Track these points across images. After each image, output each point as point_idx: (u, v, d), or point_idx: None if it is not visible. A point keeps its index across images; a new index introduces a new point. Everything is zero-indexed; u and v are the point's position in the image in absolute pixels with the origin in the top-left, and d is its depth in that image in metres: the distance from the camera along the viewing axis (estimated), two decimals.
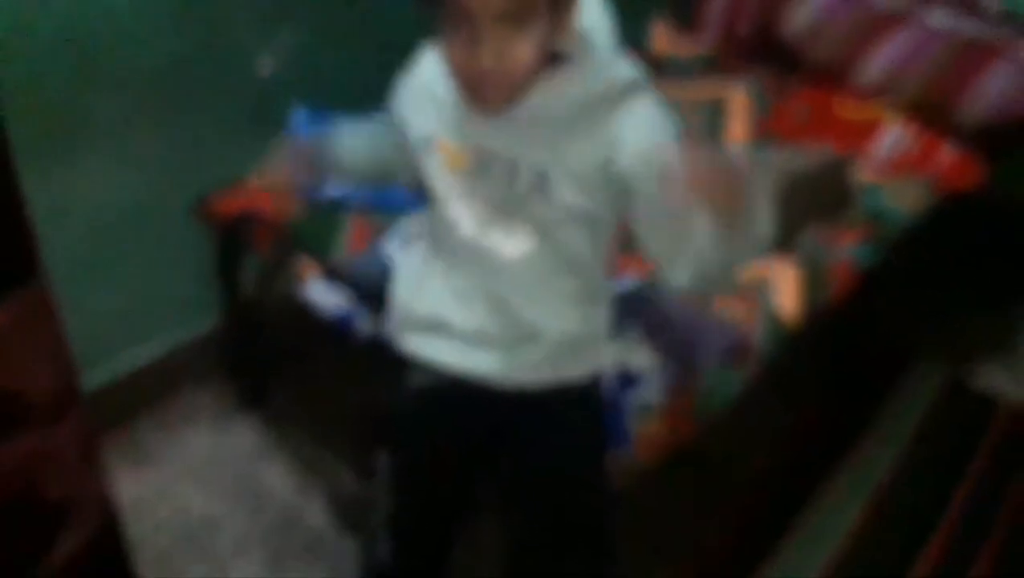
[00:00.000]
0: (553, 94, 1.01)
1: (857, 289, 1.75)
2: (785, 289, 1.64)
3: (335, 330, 1.55)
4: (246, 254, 1.77)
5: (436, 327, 1.13)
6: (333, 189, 1.74)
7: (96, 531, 1.00)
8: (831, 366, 2.11)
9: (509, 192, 1.04)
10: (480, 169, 1.04)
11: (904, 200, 1.95)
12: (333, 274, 1.58)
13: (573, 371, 1.15)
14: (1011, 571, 1.67)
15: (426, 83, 1.08)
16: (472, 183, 1.05)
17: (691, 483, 1.73)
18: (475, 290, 1.10)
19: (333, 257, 1.63)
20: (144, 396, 1.88)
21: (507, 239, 1.06)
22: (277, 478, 1.77)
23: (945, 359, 2.18)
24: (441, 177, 1.07)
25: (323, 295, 1.58)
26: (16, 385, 0.85)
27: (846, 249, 1.76)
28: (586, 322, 1.15)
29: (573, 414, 1.19)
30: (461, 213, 1.07)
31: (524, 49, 0.96)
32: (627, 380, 1.38)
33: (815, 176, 1.84)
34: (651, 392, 1.38)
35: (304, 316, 1.61)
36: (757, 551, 1.69)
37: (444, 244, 1.11)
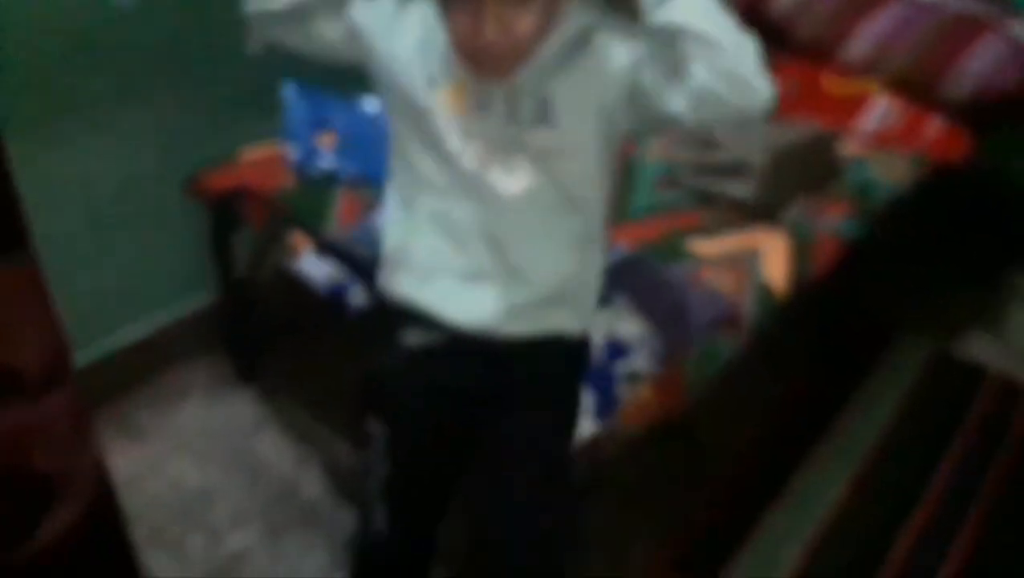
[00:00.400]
0: (546, 45, 1.02)
1: (844, 261, 1.76)
2: (774, 260, 1.66)
3: (328, 303, 1.56)
4: (238, 229, 1.78)
5: (429, 269, 1.12)
6: (324, 161, 1.76)
7: (91, 503, 0.99)
8: (818, 338, 2.13)
9: (510, 126, 1.04)
10: (480, 108, 1.05)
11: (891, 173, 1.97)
12: (325, 248, 1.59)
13: (564, 322, 1.15)
14: (995, 541, 1.70)
15: (423, 27, 1.07)
16: (471, 123, 1.05)
17: (679, 454, 1.76)
18: (470, 227, 1.09)
19: (325, 231, 1.63)
20: (138, 371, 1.89)
21: (507, 176, 1.06)
22: (273, 450, 1.78)
23: (931, 331, 2.21)
24: (441, 115, 1.06)
25: (316, 269, 1.60)
26: (5, 357, 0.84)
27: (833, 222, 1.78)
28: (580, 267, 1.14)
29: (561, 376, 1.19)
30: (461, 147, 1.06)
31: (528, 21, 0.97)
32: (616, 349, 1.40)
33: (802, 150, 1.85)
34: (640, 361, 1.40)
35: (297, 290, 1.62)
36: (744, 522, 1.71)
37: (437, 179, 1.09)
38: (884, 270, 2.17)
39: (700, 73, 0.95)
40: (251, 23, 1.14)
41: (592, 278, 1.18)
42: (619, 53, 1.02)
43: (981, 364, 2.13)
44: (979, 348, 2.17)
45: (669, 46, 0.96)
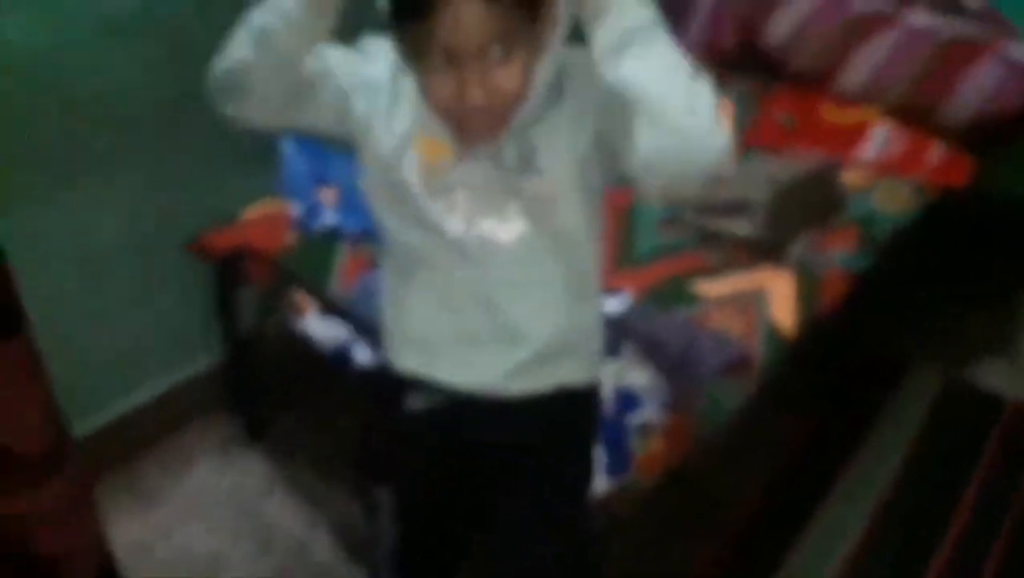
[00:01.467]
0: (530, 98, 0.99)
1: (852, 295, 1.75)
2: (781, 300, 1.64)
3: (334, 362, 1.55)
4: (242, 289, 1.78)
5: (428, 339, 1.11)
6: (326, 217, 1.76)
7: None
8: (829, 375, 2.10)
9: (496, 173, 1.01)
10: (463, 155, 1.02)
11: (894, 202, 1.96)
12: (329, 307, 1.58)
13: (569, 374, 1.12)
14: (1019, 569, 1.67)
15: (393, 79, 1.04)
16: (454, 174, 1.02)
17: (691, 501, 1.73)
18: (463, 293, 1.07)
19: (328, 288, 1.63)
20: (147, 434, 1.88)
21: (500, 224, 1.03)
22: (283, 512, 1.77)
23: (944, 359, 2.18)
24: (420, 176, 1.03)
25: (320, 328, 1.59)
26: (5, 442, 0.84)
27: (839, 255, 1.76)
28: (577, 318, 1.11)
29: (571, 429, 1.17)
30: (444, 212, 1.04)
31: (511, 79, 0.94)
32: (627, 401, 1.38)
33: (805, 184, 1.84)
34: (651, 412, 1.38)
35: (303, 349, 1.61)
36: (764, 565, 1.68)
37: (425, 252, 1.07)
38: (893, 300, 2.15)
39: (647, 136, 0.92)
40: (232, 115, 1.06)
41: (592, 326, 1.15)
42: (585, 97, 1.00)
43: (997, 391, 2.10)
44: (993, 374, 2.14)
45: (620, 106, 0.93)
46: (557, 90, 1.01)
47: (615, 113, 0.94)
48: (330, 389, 1.74)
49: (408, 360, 1.13)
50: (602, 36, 0.91)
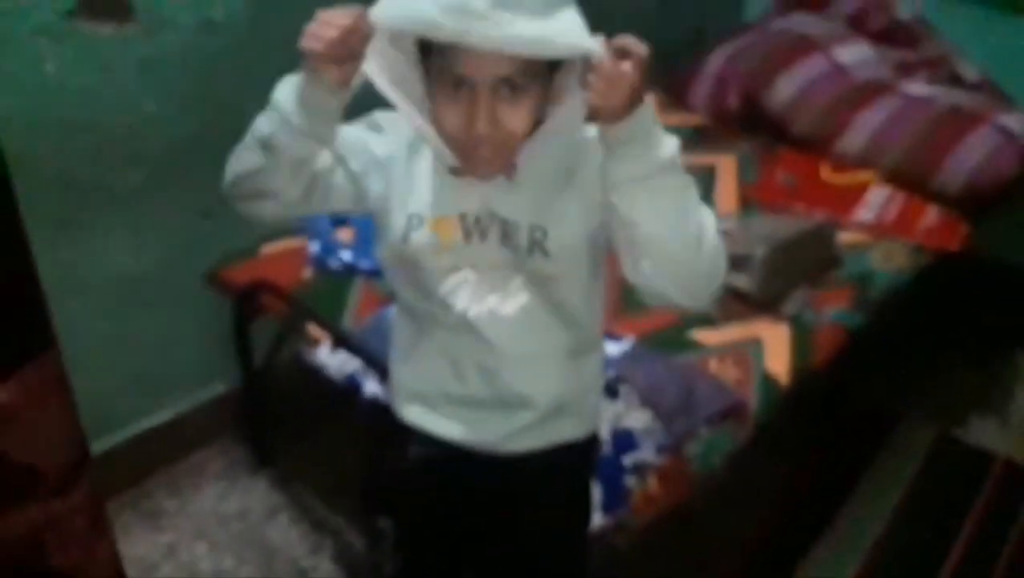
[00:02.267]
0: (541, 157, 1.01)
1: (846, 350, 1.80)
2: (776, 351, 1.70)
3: (344, 394, 1.60)
4: (258, 320, 1.84)
5: (430, 400, 1.15)
6: (342, 255, 1.83)
7: None
8: (822, 426, 2.15)
9: (506, 252, 1.04)
10: (472, 235, 1.05)
11: (890, 263, 2.02)
12: (341, 340, 1.64)
13: (568, 432, 1.16)
14: None
15: (403, 158, 1.07)
16: (463, 251, 1.05)
17: (687, 543, 1.77)
18: (468, 361, 1.10)
19: (342, 323, 1.69)
20: (157, 457, 1.94)
21: (503, 299, 1.06)
22: (286, 537, 1.81)
23: (936, 416, 2.22)
24: (429, 255, 1.06)
25: (332, 359, 1.64)
26: (28, 457, 0.87)
27: (834, 312, 1.82)
28: (578, 378, 1.15)
29: (568, 475, 1.22)
30: (452, 289, 1.06)
31: (519, 116, 0.97)
32: (624, 441, 1.43)
33: (802, 242, 1.91)
34: (647, 453, 1.43)
35: (314, 380, 1.67)
36: None
37: (434, 321, 1.10)
38: (886, 357, 2.20)
39: (647, 268, 0.98)
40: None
41: (592, 383, 1.19)
42: (595, 187, 1.00)
43: (987, 449, 2.14)
44: (984, 432, 2.18)
45: (625, 231, 0.97)
46: (571, 173, 1.03)
47: (618, 230, 0.98)
48: (338, 420, 1.79)
49: (410, 413, 1.17)
50: (621, 167, 0.93)
